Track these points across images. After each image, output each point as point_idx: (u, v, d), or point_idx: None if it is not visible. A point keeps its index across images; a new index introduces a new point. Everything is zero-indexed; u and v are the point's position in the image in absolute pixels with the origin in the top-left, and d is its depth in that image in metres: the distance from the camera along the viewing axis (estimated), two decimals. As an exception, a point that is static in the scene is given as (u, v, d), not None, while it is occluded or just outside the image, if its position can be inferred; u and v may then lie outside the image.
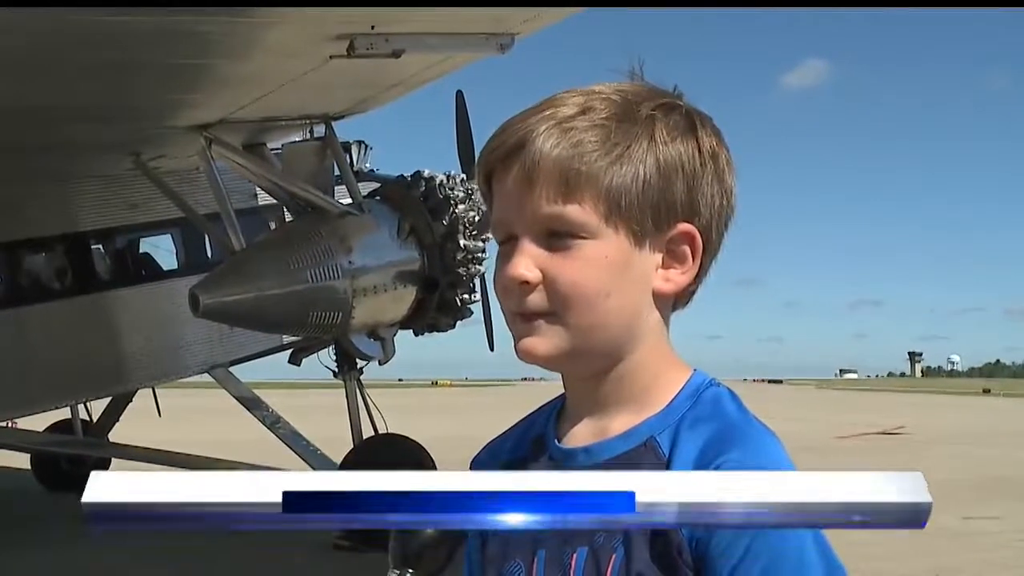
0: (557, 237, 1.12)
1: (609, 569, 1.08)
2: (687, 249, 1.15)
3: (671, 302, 1.18)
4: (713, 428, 1.10)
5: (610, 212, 1.11)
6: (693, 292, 1.20)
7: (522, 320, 1.14)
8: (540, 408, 1.28)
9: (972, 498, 13.73)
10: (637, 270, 1.13)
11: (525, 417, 1.30)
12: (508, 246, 1.15)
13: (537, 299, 1.13)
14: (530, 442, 1.24)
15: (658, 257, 1.15)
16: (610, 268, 1.12)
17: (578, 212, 1.11)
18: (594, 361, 1.15)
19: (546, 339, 1.13)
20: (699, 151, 1.15)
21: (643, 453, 1.12)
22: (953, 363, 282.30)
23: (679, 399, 1.15)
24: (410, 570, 1.12)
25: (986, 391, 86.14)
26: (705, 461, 1.07)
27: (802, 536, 1.04)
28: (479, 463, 1.30)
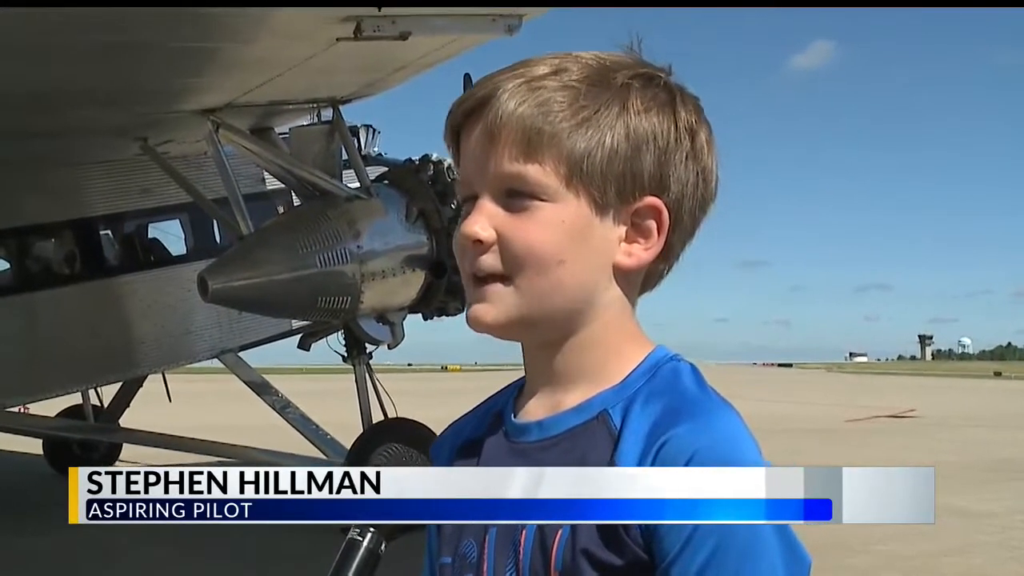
0: (516, 197, 1.09)
1: (555, 546, 1.06)
2: (653, 224, 1.11)
3: (636, 278, 1.14)
4: (666, 402, 1.07)
5: (571, 176, 1.08)
6: (663, 273, 1.17)
7: (475, 284, 1.12)
8: (505, 387, 1.25)
9: (981, 480, 13.70)
10: (597, 240, 1.10)
11: (491, 395, 1.27)
12: (469, 205, 1.13)
13: (490, 260, 1.10)
14: (491, 418, 1.22)
15: (622, 230, 1.11)
16: (567, 233, 1.08)
17: (538, 173, 1.08)
18: (545, 330, 1.12)
19: (495, 307, 1.10)
20: (675, 126, 1.11)
21: (595, 427, 1.10)
22: (964, 346, 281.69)
23: (635, 373, 1.12)
24: (371, 529, 1.11)
25: (997, 374, 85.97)
26: (655, 435, 1.04)
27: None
28: (443, 440, 1.27)
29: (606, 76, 1.10)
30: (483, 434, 1.20)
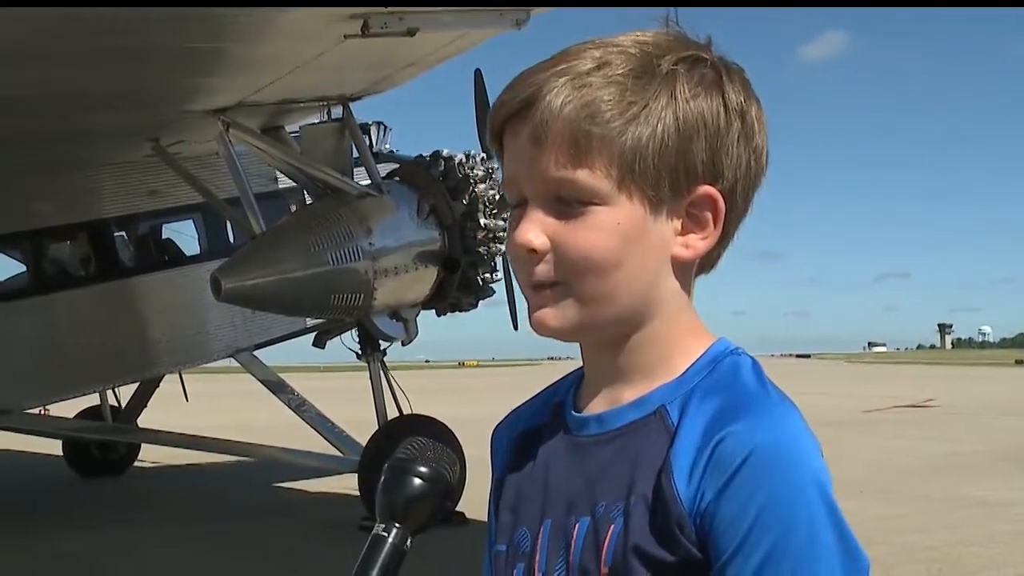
0: (567, 203, 1.06)
1: (607, 540, 1.05)
2: (709, 215, 1.08)
3: (693, 268, 1.12)
4: (725, 398, 1.04)
5: (623, 177, 1.05)
6: (718, 257, 1.15)
7: (533, 290, 1.10)
8: (566, 375, 1.24)
9: (1002, 470, 13.60)
10: (653, 238, 1.07)
11: (551, 384, 1.26)
12: (519, 210, 1.10)
13: (546, 269, 1.08)
14: (551, 408, 1.21)
15: (677, 223, 1.08)
16: (623, 237, 1.06)
17: (588, 177, 1.05)
18: (608, 331, 1.11)
19: (557, 312, 1.09)
20: (725, 108, 1.08)
21: (653, 422, 1.08)
22: (984, 334, 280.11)
23: (695, 367, 1.10)
24: (397, 524, 1.10)
25: (1019, 362, 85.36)
26: (712, 432, 1.02)
27: (814, 512, 0.98)
28: (500, 430, 1.27)
29: (650, 65, 1.06)
30: (542, 425, 1.20)
